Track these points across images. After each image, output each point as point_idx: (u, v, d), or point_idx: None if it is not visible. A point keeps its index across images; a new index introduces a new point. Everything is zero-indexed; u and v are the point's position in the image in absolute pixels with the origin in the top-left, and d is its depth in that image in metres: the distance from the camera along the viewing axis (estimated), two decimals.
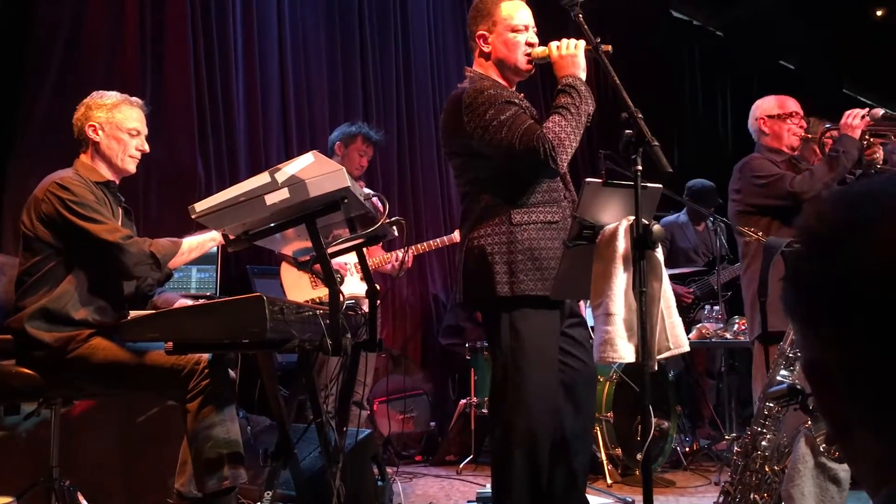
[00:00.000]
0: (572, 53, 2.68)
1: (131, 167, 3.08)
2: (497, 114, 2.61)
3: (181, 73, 4.77)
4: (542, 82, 6.37)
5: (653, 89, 7.61)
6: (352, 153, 4.60)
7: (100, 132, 3.01)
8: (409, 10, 6.12)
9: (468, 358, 5.00)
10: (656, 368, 2.26)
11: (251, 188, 2.41)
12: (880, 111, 3.47)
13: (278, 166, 2.45)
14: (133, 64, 4.59)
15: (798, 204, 3.41)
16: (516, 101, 2.70)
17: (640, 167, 2.29)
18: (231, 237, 2.60)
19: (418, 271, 5.87)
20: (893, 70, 9.02)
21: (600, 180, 2.41)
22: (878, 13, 8.49)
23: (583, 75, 2.70)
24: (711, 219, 5.60)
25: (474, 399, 4.86)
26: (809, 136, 3.70)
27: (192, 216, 2.43)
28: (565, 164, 2.65)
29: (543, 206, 2.70)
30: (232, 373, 2.98)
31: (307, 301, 4.30)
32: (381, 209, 4.26)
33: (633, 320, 2.26)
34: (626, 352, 2.24)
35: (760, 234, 3.22)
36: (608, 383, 4.38)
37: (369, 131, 4.68)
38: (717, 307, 4.99)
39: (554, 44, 2.73)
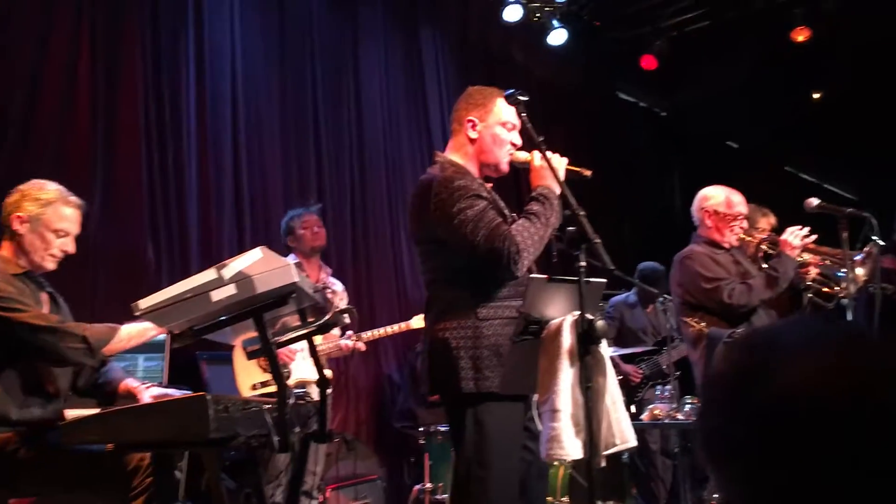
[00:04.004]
0: (554, 167, 2.70)
1: (50, 266, 2.98)
2: (465, 207, 2.59)
3: (133, 153, 4.78)
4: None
5: (604, 167, 7.78)
6: (299, 235, 4.70)
7: (25, 225, 2.92)
8: (362, 90, 6.21)
9: (422, 442, 4.94)
10: (603, 464, 2.27)
11: (196, 285, 2.40)
12: (815, 201, 3.61)
13: (225, 262, 2.44)
14: (84, 144, 4.60)
15: (733, 313, 3.56)
16: (485, 194, 2.69)
17: (583, 263, 2.34)
18: (177, 332, 2.57)
19: (373, 353, 5.83)
20: (830, 149, 9.39)
21: (545, 276, 2.44)
22: (815, 96, 8.86)
23: (558, 191, 2.70)
24: (661, 299, 5.70)
25: (429, 484, 4.79)
26: (748, 238, 3.86)
27: (136, 314, 2.41)
28: (524, 270, 2.62)
29: (510, 299, 2.65)
30: (177, 472, 2.91)
31: (257, 385, 4.24)
32: (332, 300, 4.25)
33: (580, 415, 2.27)
34: (572, 448, 2.24)
35: (703, 324, 3.30)
36: (562, 468, 4.36)
37: (297, 211, 4.80)
38: (667, 387, 5.03)
39: (538, 153, 2.75)
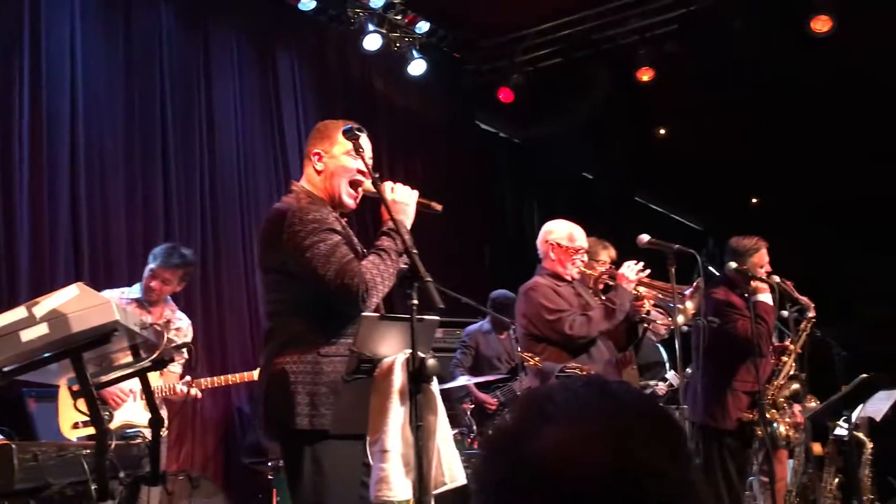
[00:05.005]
0: (405, 202, 2.68)
1: None
2: (318, 241, 2.55)
3: None
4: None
5: (465, 196, 7.93)
6: (144, 277, 4.37)
7: None
8: (215, 116, 6.02)
9: (271, 477, 4.81)
10: None
11: (3, 325, 2.26)
12: (646, 237, 3.80)
13: (37, 300, 2.31)
14: None
15: (574, 344, 3.68)
16: (339, 227, 2.66)
17: (415, 301, 2.34)
18: None
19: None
20: (675, 181, 9.94)
21: (377, 314, 2.42)
22: (661, 132, 9.36)
23: (409, 224, 2.68)
24: (514, 326, 5.81)
25: None
26: (588, 271, 4.01)
27: None
28: (374, 306, 2.59)
29: (353, 336, 2.58)
30: None
31: (79, 423, 4.00)
32: (170, 335, 4.06)
33: (410, 455, 2.26)
34: (401, 489, 2.23)
35: (537, 359, 3.39)
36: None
37: (162, 252, 4.38)
38: None
39: (389, 184, 2.72)
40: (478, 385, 5.73)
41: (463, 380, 5.63)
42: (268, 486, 4.88)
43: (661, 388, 5.71)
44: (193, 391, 4.25)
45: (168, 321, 4.35)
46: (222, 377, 4.43)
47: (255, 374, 4.30)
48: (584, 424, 0.86)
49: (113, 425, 4.05)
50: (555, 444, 0.84)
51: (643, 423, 0.88)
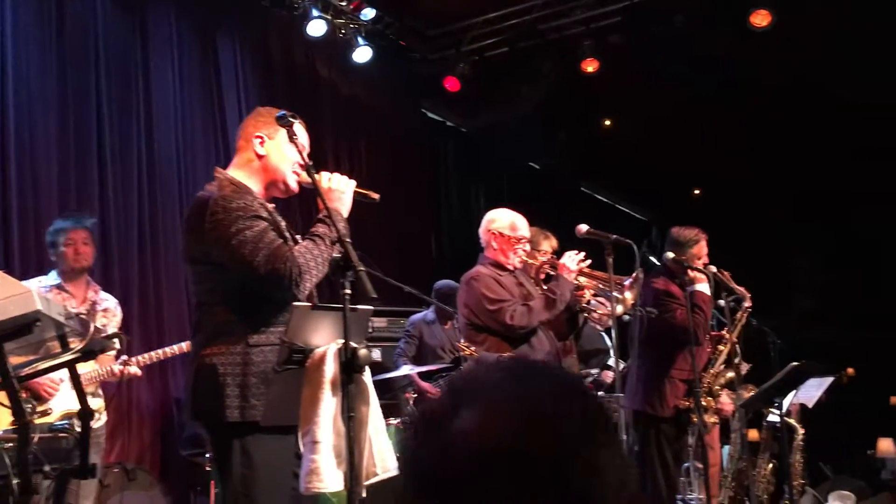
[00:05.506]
0: (342, 190, 2.66)
1: None
2: (243, 228, 2.50)
3: None
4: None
5: (411, 183, 7.91)
6: (60, 252, 4.21)
7: None
8: (153, 101, 5.87)
9: (209, 469, 4.74)
10: (364, 495, 2.25)
11: None
12: (584, 228, 3.83)
13: None
14: None
15: (515, 333, 3.71)
16: (265, 214, 2.61)
17: (348, 291, 2.31)
18: None
19: (159, 373, 5.51)
20: (620, 171, 10.05)
21: (309, 304, 2.39)
22: (606, 123, 9.44)
23: (345, 213, 2.66)
24: (457, 317, 5.82)
25: None
26: (530, 261, 4.03)
27: None
28: (307, 292, 2.55)
29: (283, 325, 2.55)
30: None
31: None
32: (98, 319, 3.97)
33: (342, 446, 2.24)
34: (332, 480, 2.21)
35: (474, 349, 3.40)
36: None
37: (64, 223, 4.28)
38: None
39: (326, 174, 2.69)
40: (421, 375, 5.72)
41: (406, 369, 5.63)
42: (206, 478, 4.81)
43: (609, 375, 5.78)
44: (133, 369, 4.14)
45: (94, 303, 4.24)
46: (160, 350, 4.29)
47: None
48: (495, 408, 0.86)
49: (53, 416, 3.95)
50: (469, 428, 0.85)
51: (558, 409, 0.87)
